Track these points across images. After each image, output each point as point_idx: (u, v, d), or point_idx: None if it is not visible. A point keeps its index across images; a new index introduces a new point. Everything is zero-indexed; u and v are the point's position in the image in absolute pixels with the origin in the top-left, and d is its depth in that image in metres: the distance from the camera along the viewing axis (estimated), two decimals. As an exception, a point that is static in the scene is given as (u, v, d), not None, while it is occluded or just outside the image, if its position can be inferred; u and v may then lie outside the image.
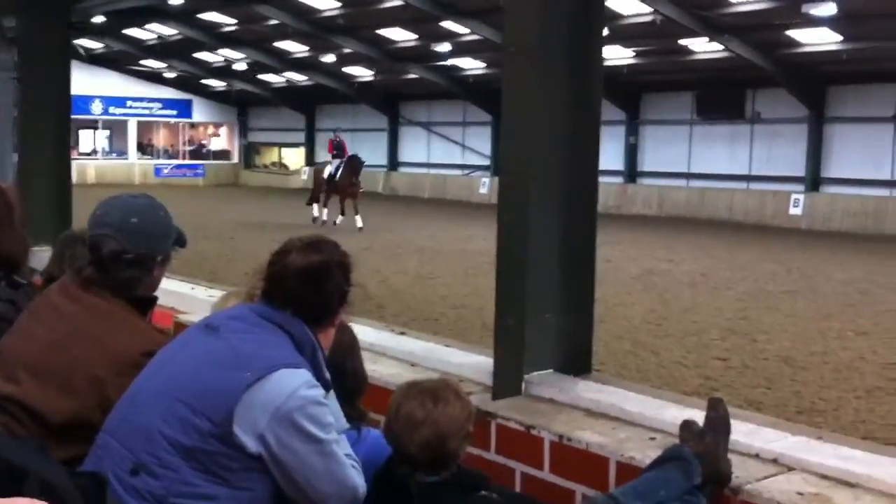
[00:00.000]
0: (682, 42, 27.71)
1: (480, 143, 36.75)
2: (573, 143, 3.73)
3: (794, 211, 27.95)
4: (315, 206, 23.95)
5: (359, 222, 22.10)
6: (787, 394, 8.07)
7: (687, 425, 2.70)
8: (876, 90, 27.09)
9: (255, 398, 2.10)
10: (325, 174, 23.69)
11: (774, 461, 2.74)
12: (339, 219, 22.98)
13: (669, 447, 2.63)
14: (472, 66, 33.61)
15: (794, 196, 28.26)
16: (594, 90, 3.83)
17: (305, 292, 2.26)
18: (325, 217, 23.39)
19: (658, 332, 10.61)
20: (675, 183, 31.74)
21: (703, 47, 27.63)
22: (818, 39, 25.84)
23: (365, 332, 4.45)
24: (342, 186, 23.01)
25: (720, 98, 30.23)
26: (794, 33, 25.77)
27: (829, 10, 23.00)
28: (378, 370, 3.88)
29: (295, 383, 2.13)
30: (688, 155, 31.67)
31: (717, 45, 26.63)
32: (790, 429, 3.14)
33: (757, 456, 2.78)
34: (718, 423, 2.64)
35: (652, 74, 30.97)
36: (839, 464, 2.66)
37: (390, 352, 4.20)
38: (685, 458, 2.49)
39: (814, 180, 28.40)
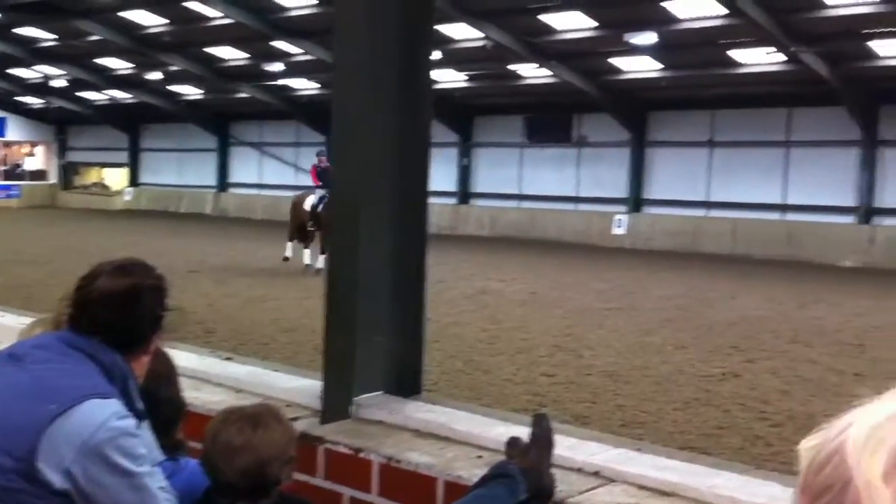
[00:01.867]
0: (512, 67, 28.51)
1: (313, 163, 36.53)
2: (403, 164, 3.73)
3: (618, 231, 29.18)
4: (289, 244, 19.52)
5: (322, 263, 16.53)
6: (611, 407, 8.35)
7: (513, 442, 2.72)
8: (692, 116, 28.71)
9: (60, 431, 1.97)
10: (307, 206, 19.12)
11: (596, 474, 2.81)
12: (321, 259, 17.43)
13: (495, 464, 2.65)
14: (304, 86, 33.43)
15: (617, 216, 29.50)
16: (424, 112, 3.85)
17: (114, 318, 2.15)
18: (307, 259, 18.65)
19: (490, 351, 10.78)
20: (507, 204, 32.52)
21: (532, 73, 28.51)
22: (639, 67, 27.16)
23: (189, 359, 4.30)
24: (328, 221, 18.40)
25: (549, 122, 31.26)
26: (616, 61, 26.98)
27: (650, 38, 24.21)
28: (202, 397, 3.75)
29: (104, 414, 2.02)
30: (518, 177, 32.52)
31: (545, 71, 27.54)
32: (612, 441, 3.24)
33: (580, 469, 2.85)
34: (542, 439, 2.67)
35: (483, 98, 31.70)
36: (657, 474, 2.75)
37: (215, 378, 4.06)
38: (510, 475, 2.51)
39: (636, 201, 29.73)
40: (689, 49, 24.91)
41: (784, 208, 27.22)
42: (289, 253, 19.34)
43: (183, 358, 4.29)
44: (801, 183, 27.11)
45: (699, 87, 27.10)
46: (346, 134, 3.75)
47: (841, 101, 25.34)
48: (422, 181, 3.87)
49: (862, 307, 15.53)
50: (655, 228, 28.61)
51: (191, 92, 37.08)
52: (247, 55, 31.23)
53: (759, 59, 25.04)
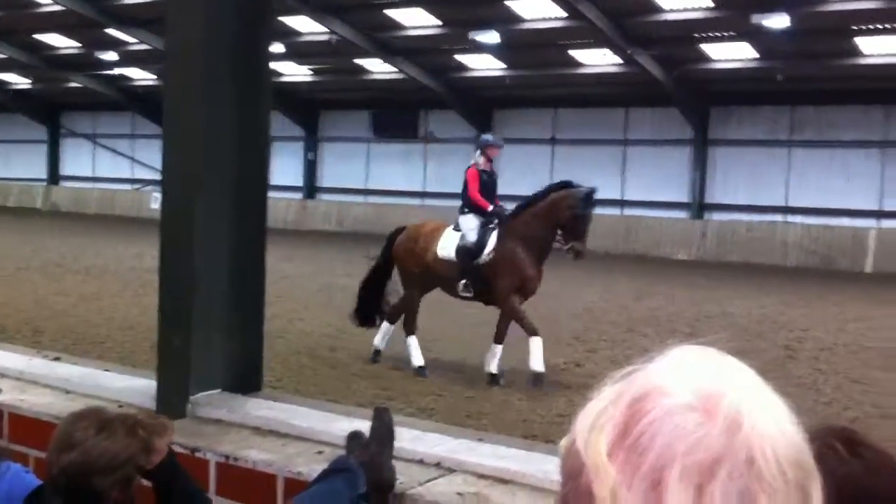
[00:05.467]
0: (359, 62, 28.41)
1: (151, 156, 35.34)
2: (241, 156, 3.64)
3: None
4: (385, 326, 10.02)
5: (538, 361, 9.07)
6: (459, 399, 8.43)
7: (354, 436, 2.71)
8: (535, 114, 29.39)
9: None
10: (445, 248, 9.83)
11: (437, 465, 2.82)
12: (495, 355, 9.34)
13: (335, 459, 2.63)
14: (140, 76, 32.35)
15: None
16: (262, 103, 3.77)
17: None
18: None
19: (337, 346, 10.70)
20: (354, 199, 32.42)
21: (378, 68, 28.50)
22: (484, 65, 27.57)
23: (14, 360, 4.08)
24: (512, 279, 9.52)
25: (395, 117, 31.35)
26: (462, 58, 27.30)
27: (493, 38, 24.60)
28: (28, 399, 3.56)
29: None
30: (365, 171, 32.47)
31: (391, 67, 27.56)
32: (454, 432, 3.26)
33: (421, 461, 2.85)
34: (383, 432, 2.67)
35: (329, 92, 31.48)
36: (497, 463, 2.78)
37: (43, 379, 3.86)
38: (349, 469, 2.49)
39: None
40: (531, 49, 25.48)
41: (622, 204, 28.24)
42: (381, 343, 9.98)
43: (7, 359, 4.07)
44: (638, 180, 28.21)
45: (541, 86, 27.77)
46: (179, 125, 3.63)
47: (674, 102, 26.50)
48: (260, 174, 3.79)
49: (694, 297, 16.29)
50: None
51: (18, 81, 35.25)
52: (78, 43, 29.91)
53: (597, 60, 25.87)
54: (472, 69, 28.02)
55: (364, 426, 2.84)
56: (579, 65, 26.38)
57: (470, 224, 9.78)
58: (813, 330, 13.12)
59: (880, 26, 21.91)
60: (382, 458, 2.59)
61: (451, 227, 9.95)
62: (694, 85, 26.18)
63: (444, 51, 26.70)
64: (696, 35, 23.65)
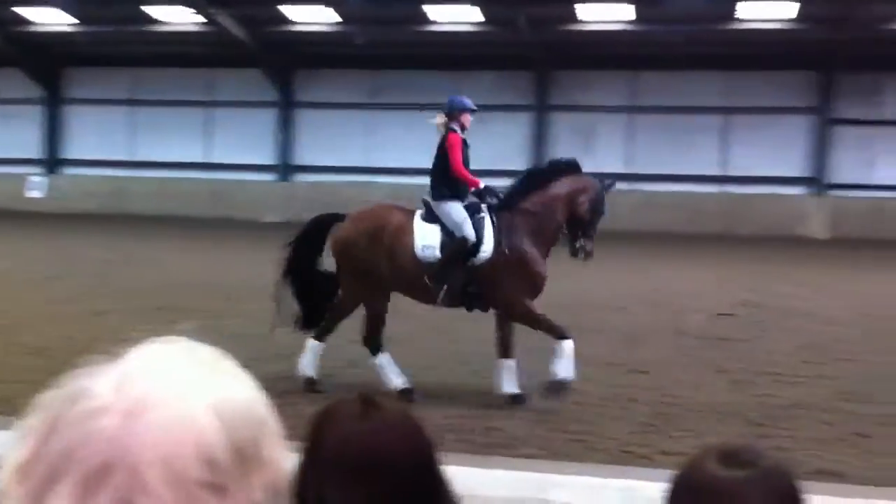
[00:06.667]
0: None
1: None
2: None
3: (34, 194, 27.35)
4: (314, 345, 7.65)
5: (567, 367, 7.14)
6: (27, 386, 7.60)
7: None
8: (113, 73, 27.85)
9: None
10: (424, 248, 7.52)
11: None
12: (508, 371, 7.36)
13: None
14: None
15: (32, 178, 27.66)
16: None
17: None
18: (396, 379, 7.32)
19: None
20: None
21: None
22: (51, 20, 25.56)
23: None
24: (526, 281, 7.55)
25: (-56, 75, 28.09)
26: (24, 11, 25.06)
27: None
28: None
29: None
30: None
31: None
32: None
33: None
34: None
35: None
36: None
37: None
38: None
39: (53, 162, 28.08)
40: (104, 3, 23.99)
41: (208, 167, 27.74)
42: (308, 370, 7.53)
43: None
44: (225, 142, 27.84)
45: (118, 43, 26.37)
46: None
47: (259, 64, 26.41)
48: None
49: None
50: (77, 190, 27.31)
51: None
52: None
53: (177, 17, 24.97)
54: (37, 24, 25.73)
55: None
56: (158, 22, 25.26)
57: (459, 213, 7.53)
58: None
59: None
60: None
61: (419, 215, 7.68)
62: (278, 47, 26.23)
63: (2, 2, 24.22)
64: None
